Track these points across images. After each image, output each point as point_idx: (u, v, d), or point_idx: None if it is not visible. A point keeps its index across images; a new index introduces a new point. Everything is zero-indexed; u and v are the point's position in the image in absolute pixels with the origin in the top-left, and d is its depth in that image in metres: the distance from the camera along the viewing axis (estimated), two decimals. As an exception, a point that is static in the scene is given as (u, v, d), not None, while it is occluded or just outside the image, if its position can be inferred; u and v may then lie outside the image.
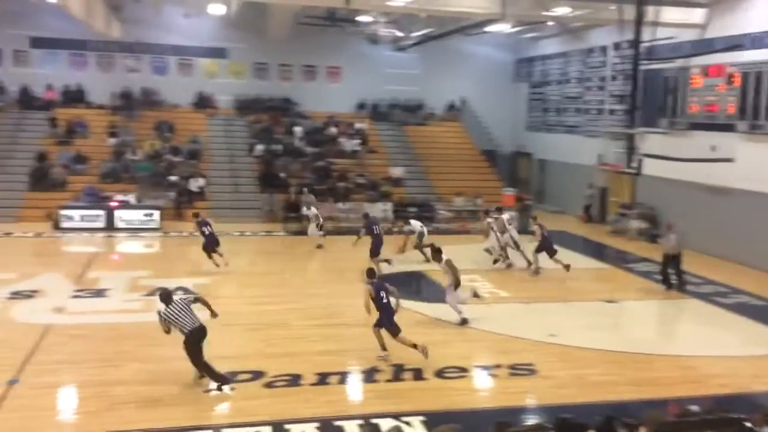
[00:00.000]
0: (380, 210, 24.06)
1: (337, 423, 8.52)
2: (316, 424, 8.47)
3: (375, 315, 10.75)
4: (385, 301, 10.67)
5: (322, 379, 9.94)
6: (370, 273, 11.16)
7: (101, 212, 21.85)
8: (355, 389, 9.88)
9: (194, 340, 9.31)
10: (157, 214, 22.13)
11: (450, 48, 28.98)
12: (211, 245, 16.27)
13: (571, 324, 13.08)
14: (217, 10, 22.65)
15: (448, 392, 9.71)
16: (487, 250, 17.94)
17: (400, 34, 27.04)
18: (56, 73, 27.71)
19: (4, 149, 24.75)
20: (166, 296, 9.62)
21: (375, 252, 16.42)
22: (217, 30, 28.24)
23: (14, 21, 26.41)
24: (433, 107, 31.03)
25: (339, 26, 26.56)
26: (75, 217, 21.57)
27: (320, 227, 19.94)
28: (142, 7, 26.69)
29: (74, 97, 27.77)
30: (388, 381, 10.00)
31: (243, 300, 14.19)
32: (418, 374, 10.20)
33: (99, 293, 14.37)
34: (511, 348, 11.57)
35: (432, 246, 13.71)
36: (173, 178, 24.32)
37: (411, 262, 17.81)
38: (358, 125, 28.91)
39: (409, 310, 13.05)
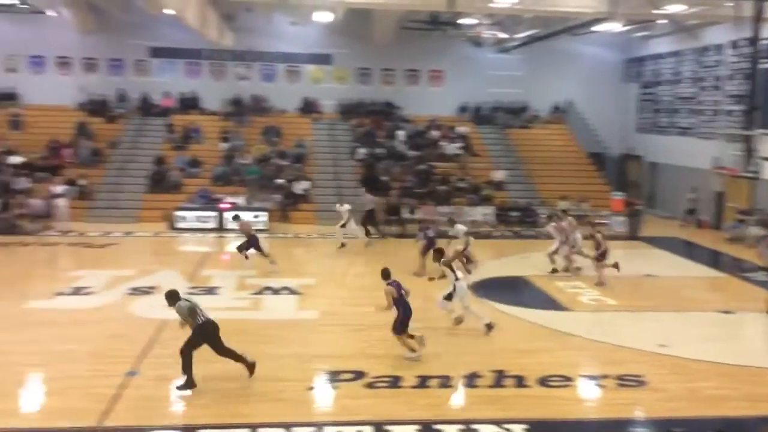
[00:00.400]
0: (480, 214, 23.93)
1: (438, 427, 8.52)
2: (416, 427, 8.51)
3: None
4: (405, 299, 10.95)
5: (423, 382, 9.98)
6: (386, 274, 11.13)
7: (213, 213, 22.82)
8: (455, 394, 9.85)
9: (207, 332, 9.66)
10: (264, 215, 22.87)
11: (556, 48, 28.42)
12: (256, 245, 16.94)
13: (683, 334, 12.52)
14: (323, 17, 23.17)
15: (553, 401, 9.51)
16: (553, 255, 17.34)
17: (503, 35, 26.76)
18: (173, 81, 29.23)
19: (126, 153, 26.31)
20: (173, 295, 9.86)
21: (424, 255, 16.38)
22: (322, 37, 28.94)
23: (135, 32, 28.04)
24: (537, 109, 30.51)
25: (442, 30, 26.59)
26: (189, 217, 22.62)
27: (343, 226, 19.91)
28: (253, 17, 27.73)
29: (189, 104, 29.19)
30: (490, 387, 9.91)
31: (344, 301, 14.44)
32: (520, 381, 10.05)
33: (210, 291, 14.99)
34: (618, 358, 11.20)
35: (439, 248, 13.33)
36: (280, 181, 25.06)
37: (510, 266, 17.57)
38: (459, 129, 28.82)
39: (510, 316, 12.88)
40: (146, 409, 8.95)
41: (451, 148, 27.65)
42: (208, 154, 26.71)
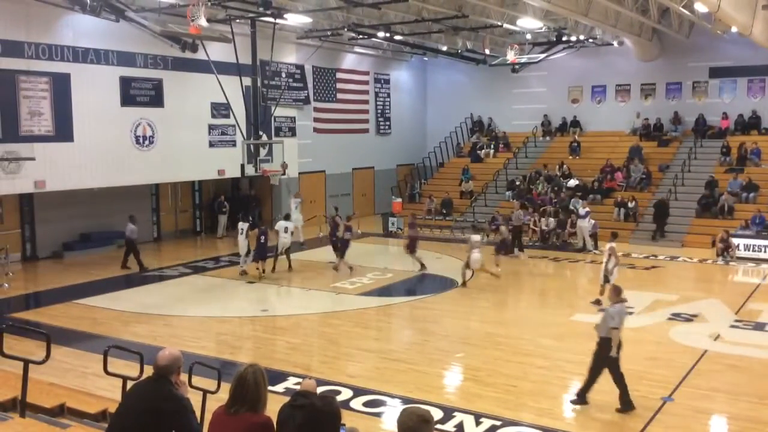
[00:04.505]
0: None
1: None
2: None
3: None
4: (262, 241, 17.65)
5: None
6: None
7: (769, 243, 20.85)
8: None
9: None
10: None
11: None
12: None
13: None
14: None
15: None
16: None
17: None
18: (732, 101, 27.71)
19: (676, 177, 25.96)
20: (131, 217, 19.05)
21: None
22: None
23: (695, 54, 27.50)
24: None
25: None
26: (740, 246, 21.11)
27: None
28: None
29: (748, 124, 27.26)
30: None
31: None
32: None
33: (759, 326, 13.76)
34: None
35: None
36: None
37: None
38: None
39: None
40: (679, 438, 8.75)
41: None
42: (767, 178, 24.47)
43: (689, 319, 14.31)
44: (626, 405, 9.47)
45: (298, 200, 23.75)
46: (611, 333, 9.44)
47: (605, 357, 9.45)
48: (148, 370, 5.21)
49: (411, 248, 19.25)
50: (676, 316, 14.45)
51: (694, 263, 20.73)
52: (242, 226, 18.58)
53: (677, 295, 16.35)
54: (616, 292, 9.92)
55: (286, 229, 19.13)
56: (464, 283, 17.19)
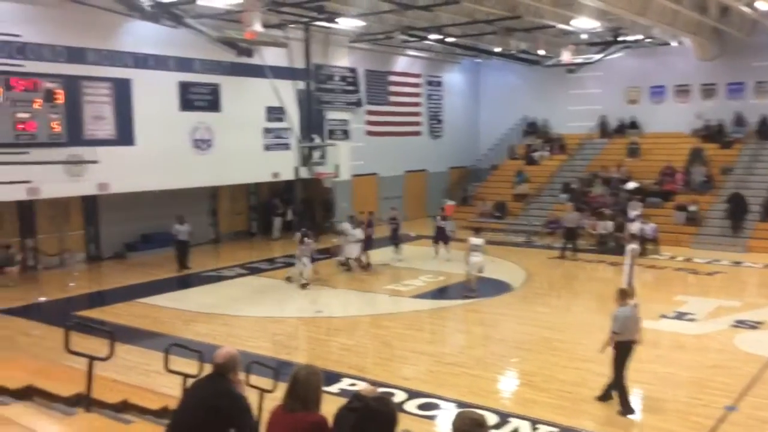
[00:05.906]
0: None
1: None
2: None
3: None
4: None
5: None
6: None
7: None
8: None
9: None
10: None
11: None
12: None
13: None
14: None
15: None
16: None
17: None
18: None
19: (740, 180, 25.17)
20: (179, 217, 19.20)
21: None
22: None
23: (758, 53, 26.60)
24: None
25: None
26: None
27: None
28: None
29: (818, 124, 26.28)
30: None
31: None
32: None
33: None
34: None
35: None
36: None
37: None
38: None
39: None
40: (744, 449, 8.46)
41: None
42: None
43: (754, 326, 13.83)
44: (605, 396, 9.76)
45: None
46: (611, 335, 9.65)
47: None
48: (208, 368, 5.29)
49: (366, 246, 19.67)
50: (740, 323, 13.97)
51: (758, 268, 20.02)
52: (301, 235, 18.05)
53: (742, 301, 15.85)
54: (622, 295, 10.11)
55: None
56: (470, 290, 16.65)
